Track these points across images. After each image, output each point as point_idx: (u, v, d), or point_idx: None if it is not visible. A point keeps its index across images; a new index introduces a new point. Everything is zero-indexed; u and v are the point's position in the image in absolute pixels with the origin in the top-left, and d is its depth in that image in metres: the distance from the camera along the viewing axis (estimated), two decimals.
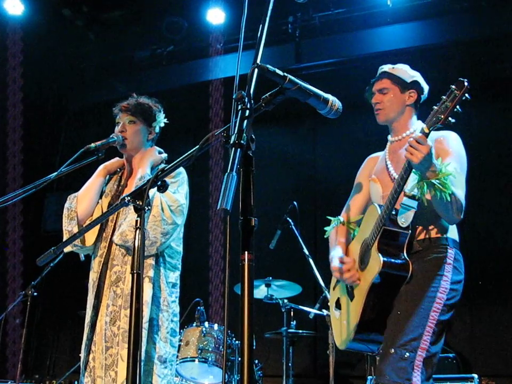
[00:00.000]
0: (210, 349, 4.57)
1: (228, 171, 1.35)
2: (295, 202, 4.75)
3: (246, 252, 1.41)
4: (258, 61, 1.61)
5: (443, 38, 6.45)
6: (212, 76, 7.21)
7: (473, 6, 6.23)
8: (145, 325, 2.73)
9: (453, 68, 6.48)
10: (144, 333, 2.71)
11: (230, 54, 7.04)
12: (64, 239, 3.02)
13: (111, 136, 3.03)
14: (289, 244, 4.86)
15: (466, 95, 2.47)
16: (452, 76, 6.53)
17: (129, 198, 1.92)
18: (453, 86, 2.47)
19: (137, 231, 1.92)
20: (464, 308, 5.85)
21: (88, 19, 7.08)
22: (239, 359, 4.45)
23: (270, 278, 4.99)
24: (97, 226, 2.99)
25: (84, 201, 3.02)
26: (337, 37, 6.85)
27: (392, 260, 2.56)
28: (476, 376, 4.37)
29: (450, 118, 2.43)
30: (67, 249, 3.03)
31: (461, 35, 6.41)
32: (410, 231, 2.59)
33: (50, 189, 7.92)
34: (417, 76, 2.93)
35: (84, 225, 2.98)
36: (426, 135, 2.42)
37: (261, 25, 1.70)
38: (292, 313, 4.95)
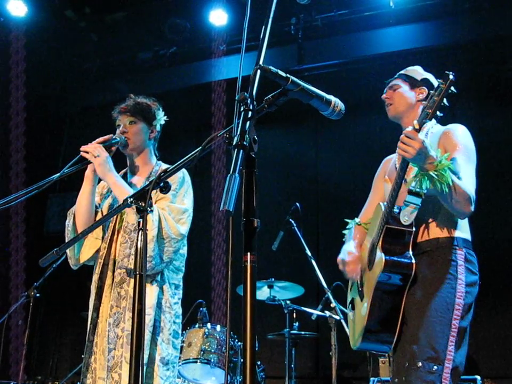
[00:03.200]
0: (212, 350, 4.57)
1: (231, 172, 1.35)
2: (297, 204, 4.75)
3: (249, 253, 1.41)
4: (260, 62, 1.61)
5: (445, 40, 6.44)
6: (214, 77, 7.21)
7: (475, 7, 6.22)
8: (150, 328, 2.73)
9: (455, 69, 6.46)
10: (148, 336, 2.71)
11: (232, 55, 7.04)
12: (68, 259, 3.04)
13: (113, 137, 3.02)
14: (291, 245, 4.86)
15: (452, 88, 2.45)
16: (454, 77, 6.53)
17: (131, 199, 1.92)
18: (440, 80, 2.48)
19: (140, 233, 1.92)
20: None
21: (91, 20, 7.10)
22: (242, 360, 4.45)
23: (273, 279, 4.99)
24: (97, 242, 2.99)
25: (80, 216, 2.98)
26: (340, 38, 6.85)
27: (396, 259, 2.52)
28: (478, 377, 4.37)
29: (438, 112, 2.41)
30: (71, 264, 3.05)
31: (463, 36, 6.40)
32: (414, 229, 2.54)
33: (53, 190, 7.93)
34: (428, 75, 2.97)
35: (86, 228, 2.98)
36: (417, 130, 2.39)
37: (263, 27, 1.69)
38: (294, 314, 4.95)
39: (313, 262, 4.39)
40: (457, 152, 2.60)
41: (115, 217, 2.99)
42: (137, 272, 1.87)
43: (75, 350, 7.09)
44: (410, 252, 2.54)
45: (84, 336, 2.93)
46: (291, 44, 6.89)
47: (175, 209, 2.88)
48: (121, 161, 3.23)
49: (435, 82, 2.90)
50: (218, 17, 6.82)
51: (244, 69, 1.70)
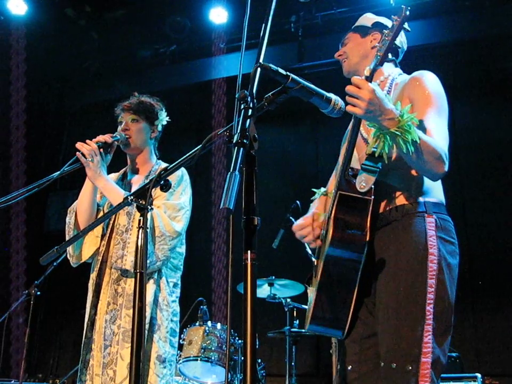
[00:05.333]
0: (213, 348, 4.57)
1: (231, 170, 1.35)
2: (297, 202, 4.75)
3: (249, 251, 1.41)
4: (261, 60, 1.61)
5: (445, 37, 6.44)
6: (214, 75, 7.21)
7: (476, 4, 6.22)
8: (146, 326, 2.74)
9: (456, 66, 6.47)
10: (145, 333, 2.71)
11: (232, 53, 7.04)
12: (68, 256, 3.05)
13: (114, 134, 3.03)
14: (292, 243, 4.83)
15: (406, 25, 2.13)
16: (455, 75, 6.52)
17: (132, 197, 1.92)
18: (394, 16, 2.15)
19: (140, 231, 1.92)
20: (468, 307, 5.85)
21: (91, 19, 7.09)
22: (242, 358, 4.44)
23: (273, 277, 4.99)
24: (97, 240, 3.00)
25: (81, 214, 3.00)
26: (340, 36, 6.80)
27: (346, 231, 2.12)
28: (479, 375, 4.36)
29: (389, 55, 2.13)
30: (71, 262, 3.06)
31: (464, 34, 6.40)
32: (373, 197, 2.11)
33: (53, 188, 7.93)
34: (381, 18, 2.69)
35: (88, 232, 2.99)
36: (368, 78, 2.01)
37: (263, 25, 1.69)
38: (294, 312, 4.95)
39: (314, 260, 4.38)
40: (427, 104, 2.22)
41: (115, 215, 2.99)
42: (138, 270, 1.87)
43: (76, 348, 7.09)
44: (368, 225, 2.11)
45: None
46: (291, 41, 6.89)
47: (171, 207, 2.89)
48: (122, 160, 3.23)
49: (389, 23, 2.43)
50: (218, 15, 6.82)
51: (244, 67, 1.70)
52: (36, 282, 4.67)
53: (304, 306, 4.75)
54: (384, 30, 2.24)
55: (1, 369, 5.43)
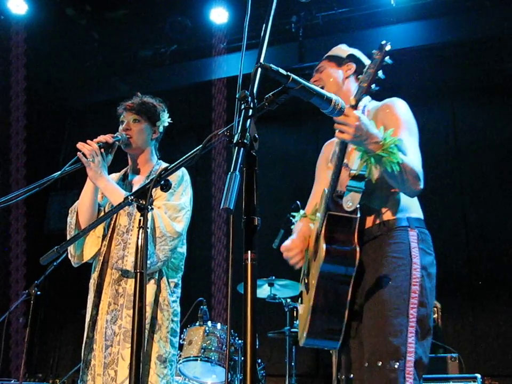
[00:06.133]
0: (213, 348, 4.57)
1: (231, 170, 1.35)
2: (298, 202, 4.74)
3: (249, 251, 1.40)
4: (261, 60, 1.61)
5: (446, 38, 6.44)
6: (215, 75, 7.21)
7: (477, 5, 6.21)
8: (147, 326, 2.74)
9: (456, 66, 6.48)
10: (146, 333, 2.71)
11: (233, 53, 7.04)
12: (69, 256, 3.05)
13: (115, 134, 3.03)
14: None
15: (387, 59, 2.26)
16: (455, 75, 6.53)
17: (132, 197, 1.92)
18: (375, 51, 2.30)
19: (140, 230, 1.92)
20: (467, 307, 5.85)
21: (91, 18, 7.09)
22: (242, 358, 4.45)
23: (273, 277, 4.99)
24: (99, 241, 3.00)
25: (82, 214, 3.00)
26: (341, 36, 6.83)
27: (338, 248, 2.30)
28: (478, 376, 4.36)
29: (373, 86, 2.24)
30: (72, 262, 3.06)
31: (465, 34, 6.40)
32: (359, 215, 2.30)
33: (54, 188, 7.94)
34: (354, 50, 2.88)
35: (90, 232, 2.99)
36: (353, 107, 2.19)
37: (264, 25, 1.69)
38: (294, 312, 4.95)
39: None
40: (399, 128, 2.38)
41: (116, 216, 3.00)
42: (138, 270, 1.87)
43: (76, 347, 7.10)
44: (356, 240, 2.29)
45: (83, 334, 2.94)
46: (292, 42, 6.89)
47: (172, 207, 2.89)
48: (123, 160, 3.24)
49: (362, 56, 2.83)
50: (219, 15, 6.82)
51: (245, 67, 1.70)
52: (36, 282, 4.67)
53: None
54: (364, 62, 2.57)
55: (1, 369, 5.44)
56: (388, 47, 2.26)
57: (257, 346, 1.39)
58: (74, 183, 7.01)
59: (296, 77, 1.68)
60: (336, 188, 2.38)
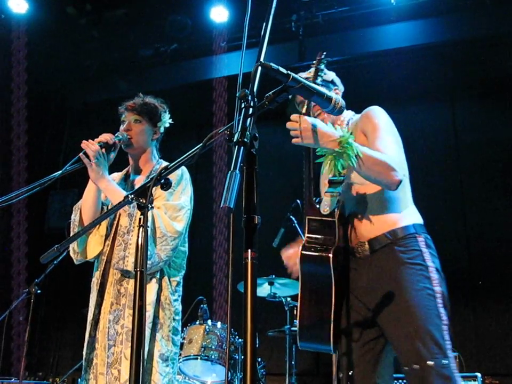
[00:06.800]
0: (213, 347, 4.57)
1: (231, 169, 1.35)
2: (298, 201, 4.75)
3: (249, 250, 1.40)
4: (261, 59, 1.61)
5: (446, 36, 6.44)
6: (215, 74, 7.21)
7: (477, 4, 6.21)
8: (149, 325, 2.75)
9: (456, 65, 6.47)
10: (148, 332, 2.72)
11: (233, 52, 7.04)
12: (71, 253, 3.05)
13: (116, 134, 3.03)
14: (292, 242, 4.86)
15: (322, 66, 2.47)
16: (455, 74, 6.52)
17: (132, 196, 1.92)
18: (313, 62, 2.49)
19: (140, 229, 1.92)
20: (467, 306, 5.85)
21: (92, 17, 7.09)
22: (242, 357, 4.46)
23: (273, 276, 4.99)
24: (102, 240, 3.00)
25: (86, 212, 3.01)
26: (341, 35, 6.84)
27: (311, 253, 2.41)
28: (479, 375, 4.37)
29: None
30: (74, 259, 3.06)
31: (465, 33, 6.40)
32: (336, 217, 2.42)
33: (54, 187, 7.93)
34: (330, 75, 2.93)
35: (92, 232, 2.99)
36: (304, 114, 2.35)
37: (264, 24, 1.69)
38: (295, 311, 4.95)
39: None
40: (376, 130, 2.51)
41: (117, 216, 3.00)
42: (138, 269, 1.87)
43: (76, 346, 7.10)
44: (335, 244, 2.40)
45: (85, 333, 2.94)
46: (292, 40, 6.88)
47: (171, 207, 2.89)
48: (124, 159, 3.24)
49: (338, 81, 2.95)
50: (219, 14, 6.82)
51: (245, 65, 1.70)
52: (36, 280, 4.67)
53: None
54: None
55: (1, 368, 5.44)
56: (320, 55, 2.49)
57: (257, 345, 1.39)
58: (74, 182, 7.01)
59: (296, 76, 1.68)
60: (311, 193, 2.53)
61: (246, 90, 1.52)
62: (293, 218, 4.70)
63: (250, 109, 1.50)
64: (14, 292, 6.89)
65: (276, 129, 7.33)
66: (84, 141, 2.90)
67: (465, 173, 6.36)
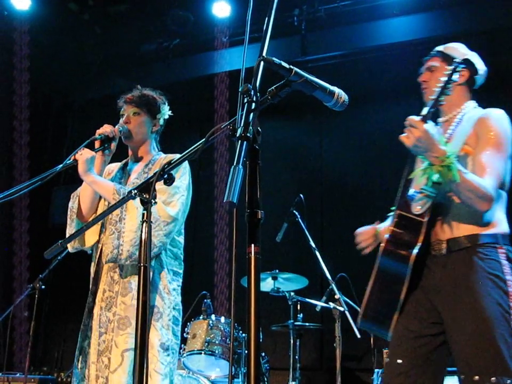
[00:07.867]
0: (217, 342, 4.58)
1: (234, 164, 1.35)
2: (301, 195, 4.75)
3: (253, 245, 1.40)
4: (264, 54, 1.61)
5: (450, 30, 6.41)
6: (217, 69, 7.20)
7: None
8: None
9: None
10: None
11: (235, 47, 7.02)
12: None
13: (117, 126, 3.04)
14: (295, 237, 4.86)
15: (455, 76, 2.40)
16: (459, 64, 6.49)
17: (135, 191, 1.92)
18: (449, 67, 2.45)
19: (144, 224, 1.92)
20: None
21: (94, 13, 7.09)
22: (246, 351, 4.46)
23: (277, 270, 4.99)
24: (98, 228, 3.00)
25: (84, 200, 3.02)
26: (343, 29, 6.82)
27: (394, 248, 2.47)
28: None
29: (442, 98, 2.37)
30: (70, 246, 3.05)
31: (469, 26, 6.37)
32: (426, 219, 2.43)
33: (57, 182, 7.95)
34: (470, 55, 2.70)
35: (89, 220, 2.99)
36: (423, 118, 2.32)
37: (266, 18, 1.69)
38: (298, 306, 4.95)
39: (317, 254, 4.39)
40: (488, 143, 2.45)
41: (106, 204, 3.01)
42: (142, 264, 1.87)
43: None
44: (419, 244, 2.42)
45: None
46: (294, 35, 6.86)
47: (164, 192, 2.86)
48: (124, 152, 3.24)
49: (478, 63, 2.72)
50: (221, 9, 6.80)
51: (247, 60, 1.69)
52: (40, 276, 4.69)
53: (307, 299, 4.75)
54: (479, 70, 2.65)
55: (6, 362, 5.46)
56: (454, 64, 2.40)
57: (261, 340, 1.39)
58: (78, 177, 7.00)
59: (298, 70, 1.67)
60: (409, 189, 2.51)
61: (249, 85, 1.52)
62: (296, 213, 4.70)
63: (253, 104, 1.50)
64: (18, 287, 6.91)
65: (280, 124, 7.33)
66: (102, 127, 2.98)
67: None
